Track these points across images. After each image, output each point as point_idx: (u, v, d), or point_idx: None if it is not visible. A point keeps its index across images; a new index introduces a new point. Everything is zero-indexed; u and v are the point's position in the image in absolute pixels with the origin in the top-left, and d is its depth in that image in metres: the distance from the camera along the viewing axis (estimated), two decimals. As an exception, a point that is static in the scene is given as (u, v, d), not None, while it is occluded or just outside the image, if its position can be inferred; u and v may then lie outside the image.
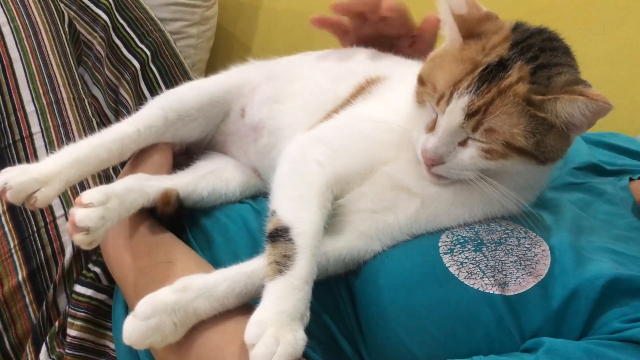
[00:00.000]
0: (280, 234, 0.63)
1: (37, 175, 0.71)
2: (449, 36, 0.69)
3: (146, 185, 0.76)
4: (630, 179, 0.82)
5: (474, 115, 0.61)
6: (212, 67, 1.77)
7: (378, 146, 0.71)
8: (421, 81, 0.67)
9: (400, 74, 0.77)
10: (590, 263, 0.63)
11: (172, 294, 0.61)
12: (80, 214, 0.66)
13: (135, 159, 0.84)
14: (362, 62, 0.85)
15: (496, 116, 0.61)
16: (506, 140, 0.61)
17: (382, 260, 0.68)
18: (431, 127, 0.65)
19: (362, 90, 0.78)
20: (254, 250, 0.73)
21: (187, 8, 1.63)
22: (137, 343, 0.60)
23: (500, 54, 0.63)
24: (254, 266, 0.64)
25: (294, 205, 0.66)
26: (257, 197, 0.86)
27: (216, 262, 0.76)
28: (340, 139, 0.72)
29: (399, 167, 0.70)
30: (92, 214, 0.67)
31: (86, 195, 0.68)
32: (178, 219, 0.80)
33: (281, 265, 0.60)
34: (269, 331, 0.56)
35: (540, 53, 0.64)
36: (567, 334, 0.59)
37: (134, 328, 0.60)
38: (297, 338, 0.57)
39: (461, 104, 0.62)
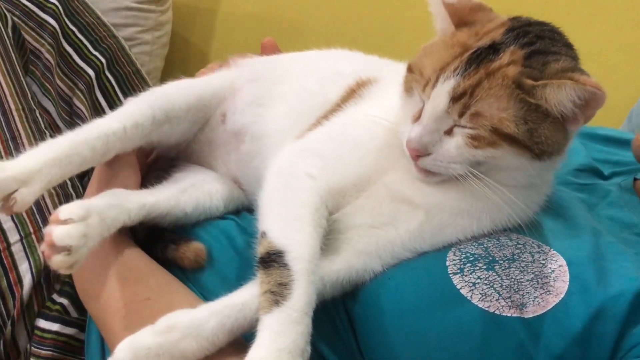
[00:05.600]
0: (273, 259, 0.57)
1: (16, 174, 0.62)
2: (439, 28, 0.66)
3: (126, 200, 0.69)
4: (635, 179, 0.80)
5: (459, 98, 0.58)
6: (167, 75, 1.69)
7: (374, 154, 0.67)
8: (410, 69, 0.64)
9: (393, 76, 0.72)
10: (613, 275, 0.59)
11: (155, 336, 0.57)
12: (59, 231, 0.60)
13: (102, 174, 0.76)
14: (351, 63, 0.81)
15: (483, 99, 0.57)
16: (494, 126, 0.57)
17: (384, 282, 0.63)
18: (417, 117, 0.61)
19: (352, 93, 0.74)
20: (241, 270, 0.68)
21: (140, 13, 1.58)
22: None
23: (493, 38, 0.60)
24: (245, 297, 0.59)
25: (286, 225, 0.61)
26: (240, 213, 0.80)
27: (201, 285, 0.71)
28: (332, 148, 0.68)
29: (398, 176, 0.65)
30: (72, 231, 0.60)
31: (64, 211, 0.61)
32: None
33: (277, 295, 0.55)
34: None
35: (537, 40, 0.61)
36: (594, 357, 0.55)
37: None
38: None
39: (447, 87, 0.58)
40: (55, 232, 0.59)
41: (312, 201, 0.62)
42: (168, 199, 0.74)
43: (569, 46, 0.63)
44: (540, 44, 0.60)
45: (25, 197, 0.62)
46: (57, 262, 0.59)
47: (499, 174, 0.60)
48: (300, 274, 0.56)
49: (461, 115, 0.58)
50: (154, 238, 0.74)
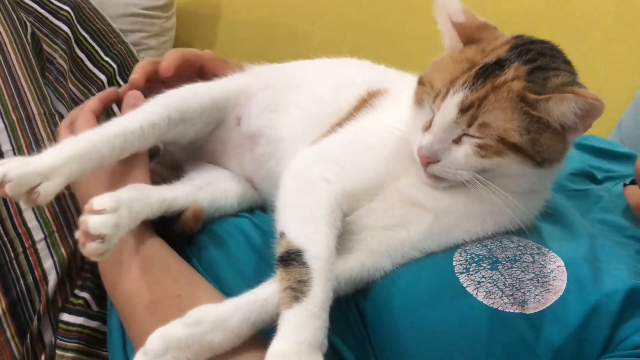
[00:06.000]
0: (292, 258, 0.61)
1: (39, 168, 0.66)
2: (448, 45, 0.69)
3: (148, 195, 0.73)
4: (624, 184, 0.84)
5: (467, 110, 0.62)
6: None
7: (386, 161, 0.70)
8: (421, 82, 0.67)
9: (402, 87, 0.76)
10: (607, 275, 0.63)
11: (184, 328, 0.60)
12: (94, 220, 0.63)
13: (116, 170, 0.79)
14: (362, 73, 0.84)
15: (489, 111, 0.61)
16: (500, 136, 0.61)
17: (394, 281, 0.66)
18: (427, 127, 0.65)
19: (364, 103, 0.77)
20: (258, 266, 0.71)
21: (146, 19, 1.60)
22: None
23: (498, 55, 0.64)
24: (267, 293, 0.62)
25: (304, 226, 0.64)
26: (254, 211, 0.84)
27: (220, 281, 0.74)
28: (347, 154, 0.71)
29: (409, 181, 0.69)
30: (106, 221, 0.64)
31: (97, 202, 0.65)
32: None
33: (297, 291, 0.58)
34: None
35: (539, 57, 0.64)
36: (589, 350, 0.59)
37: None
38: None
39: (455, 99, 0.62)
40: (90, 221, 0.63)
41: (328, 204, 0.65)
42: (186, 195, 0.78)
43: (567, 62, 0.67)
44: (542, 60, 0.64)
45: (48, 191, 0.66)
46: (91, 249, 0.63)
47: (503, 181, 0.64)
48: (319, 272, 0.59)
49: (469, 125, 0.62)
50: (162, 224, 0.77)
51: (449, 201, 0.67)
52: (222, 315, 0.61)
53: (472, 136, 0.63)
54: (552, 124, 0.62)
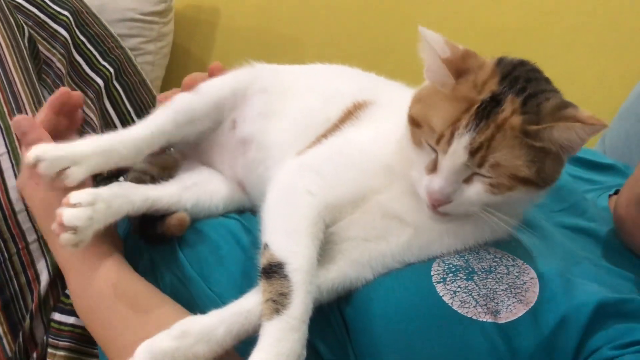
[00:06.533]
0: (274, 270, 0.62)
1: (69, 154, 0.72)
2: (434, 79, 0.68)
3: (132, 193, 0.76)
4: (609, 195, 0.86)
5: (477, 152, 0.62)
6: (167, 84, 1.74)
7: (369, 175, 0.71)
8: (415, 123, 0.66)
9: (387, 99, 0.77)
10: (578, 288, 0.65)
11: (171, 340, 0.61)
12: (68, 213, 0.67)
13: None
14: (349, 83, 0.84)
15: (499, 150, 0.61)
16: (512, 173, 0.62)
17: (375, 288, 0.68)
18: (432, 168, 0.65)
19: (350, 115, 0.77)
20: (246, 266, 0.73)
21: (144, 24, 1.61)
22: None
23: (492, 89, 0.64)
24: (250, 305, 0.64)
25: (286, 239, 0.65)
26: (243, 213, 0.85)
27: (208, 280, 0.76)
28: (331, 167, 0.72)
29: (391, 196, 0.70)
30: (80, 214, 0.68)
31: (74, 196, 0.69)
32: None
33: (278, 304, 0.60)
34: None
35: (526, 84, 0.65)
36: (558, 359, 0.61)
37: None
38: None
39: (463, 142, 0.62)
40: (65, 214, 0.67)
41: (310, 216, 0.67)
42: (171, 195, 0.80)
43: (547, 80, 0.67)
44: (530, 87, 0.64)
45: (75, 175, 0.72)
46: (64, 239, 0.67)
47: (505, 207, 0.65)
48: (299, 285, 0.61)
49: (480, 165, 0.62)
50: (146, 221, 0.80)
51: (430, 220, 0.68)
52: (207, 327, 0.62)
53: (484, 175, 0.63)
54: (553, 150, 0.63)
